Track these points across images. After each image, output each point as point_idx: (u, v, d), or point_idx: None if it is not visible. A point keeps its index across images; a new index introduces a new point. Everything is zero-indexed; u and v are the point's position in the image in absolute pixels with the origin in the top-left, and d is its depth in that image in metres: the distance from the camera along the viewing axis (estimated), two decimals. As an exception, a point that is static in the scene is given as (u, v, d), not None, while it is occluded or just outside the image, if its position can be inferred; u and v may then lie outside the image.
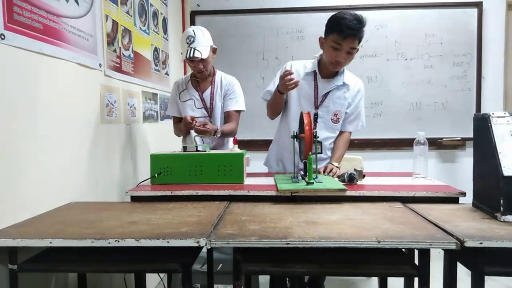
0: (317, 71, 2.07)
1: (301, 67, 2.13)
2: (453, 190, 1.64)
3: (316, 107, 2.08)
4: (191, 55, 2.09)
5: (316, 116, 2.07)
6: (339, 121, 2.13)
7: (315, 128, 1.97)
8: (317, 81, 2.07)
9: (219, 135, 2.16)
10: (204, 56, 2.12)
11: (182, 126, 2.21)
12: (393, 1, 3.58)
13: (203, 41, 2.13)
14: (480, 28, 3.53)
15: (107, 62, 2.07)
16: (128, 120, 2.35)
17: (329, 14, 1.97)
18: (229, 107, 2.29)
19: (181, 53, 2.18)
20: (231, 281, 1.26)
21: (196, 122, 2.08)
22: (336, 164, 2.05)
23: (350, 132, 2.18)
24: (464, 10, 3.54)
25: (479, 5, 3.52)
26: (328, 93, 2.07)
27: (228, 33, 3.68)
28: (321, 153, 1.95)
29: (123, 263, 1.26)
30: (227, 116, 2.30)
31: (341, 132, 2.17)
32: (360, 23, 1.87)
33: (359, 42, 1.92)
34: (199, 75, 2.23)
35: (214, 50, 2.23)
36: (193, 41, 2.10)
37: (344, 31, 1.85)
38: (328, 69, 2.03)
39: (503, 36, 3.56)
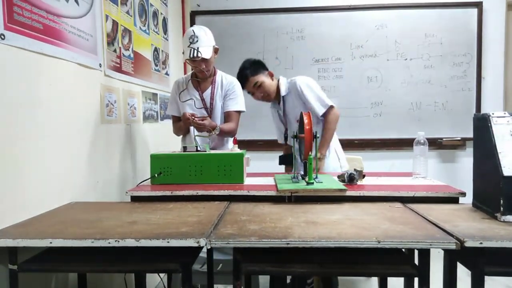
0: (272, 102, 2.47)
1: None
2: (453, 190, 1.64)
3: (286, 127, 2.43)
4: (194, 55, 2.07)
5: (286, 135, 2.24)
6: None
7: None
8: (278, 109, 2.45)
9: (217, 133, 2.15)
10: (207, 56, 2.10)
11: (182, 124, 2.20)
12: (393, 1, 3.58)
13: (206, 41, 2.12)
14: (480, 28, 3.53)
15: (107, 62, 2.08)
16: (128, 120, 2.35)
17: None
18: (229, 107, 2.29)
19: (182, 53, 2.17)
20: (231, 281, 1.26)
21: (194, 117, 2.07)
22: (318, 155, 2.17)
23: (324, 116, 2.29)
24: (464, 10, 3.54)
25: (479, 5, 3.52)
26: (284, 111, 2.41)
27: (228, 33, 3.68)
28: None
29: (123, 263, 1.26)
30: (227, 116, 2.30)
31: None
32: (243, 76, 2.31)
33: (255, 82, 2.31)
34: (200, 74, 2.23)
35: (216, 50, 2.23)
36: (196, 41, 2.08)
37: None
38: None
39: (503, 36, 3.56)
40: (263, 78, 2.33)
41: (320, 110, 2.25)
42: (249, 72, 2.31)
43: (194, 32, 2.10)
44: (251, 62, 2.35)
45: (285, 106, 2.39)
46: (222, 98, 2.30)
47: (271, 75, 2.38)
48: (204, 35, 2.12)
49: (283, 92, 2.36)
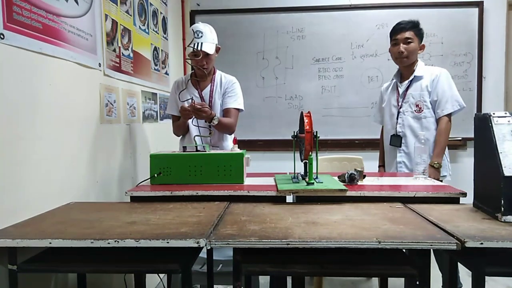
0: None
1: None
2: (453, 190, 1.64)
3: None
4: (199, 48, 2.10)
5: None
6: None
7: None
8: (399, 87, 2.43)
9: (216, 122, 2.12)
10: (210, 52, 2.14)
11: (181, 120, 2.20)
12: (394, 0, 3.58)
13: (210, 38, 2.17)
14: (481, 28, 3.52)
15: (107, 62, 2.07)
16: (128, 120, 2.35)
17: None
18: (228, 104, 2.29)
19: (187, 46, 2.17)
20: (231, 281, 1.26)
21: (194, 103, 2.04)
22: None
23: (440, 120, 2.34)
24: (465, 9, 3.54)
25: (479, 5, 3.51)
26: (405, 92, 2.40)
27: (228, 32, 3.67)
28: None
29: (123, 263, 1.26)
30: (226, 113, 2.29)
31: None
32: None
33: (408, 37, 2.34)
34: (200, 71, 2.22)
35: (217, 49, 2.25)
36: (201, 36, 2.13)
37: None
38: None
39: (504, 35, 3.55)
40: (416, 41, 2.35)
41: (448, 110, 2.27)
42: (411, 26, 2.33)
43: (200, 28, 2.14)
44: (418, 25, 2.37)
45: (409, 87, 2.36)
46: (221, 96, 2.30)
47: (422, 48, 2.39)
48: (209, 32, 2.17)
49: (417, 73, 2.36)
